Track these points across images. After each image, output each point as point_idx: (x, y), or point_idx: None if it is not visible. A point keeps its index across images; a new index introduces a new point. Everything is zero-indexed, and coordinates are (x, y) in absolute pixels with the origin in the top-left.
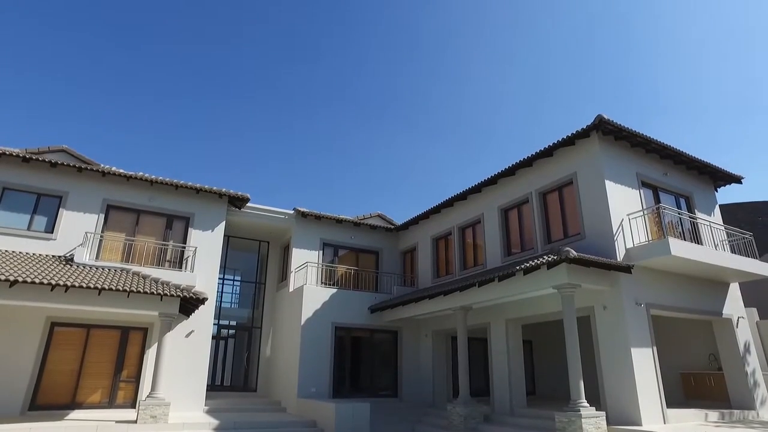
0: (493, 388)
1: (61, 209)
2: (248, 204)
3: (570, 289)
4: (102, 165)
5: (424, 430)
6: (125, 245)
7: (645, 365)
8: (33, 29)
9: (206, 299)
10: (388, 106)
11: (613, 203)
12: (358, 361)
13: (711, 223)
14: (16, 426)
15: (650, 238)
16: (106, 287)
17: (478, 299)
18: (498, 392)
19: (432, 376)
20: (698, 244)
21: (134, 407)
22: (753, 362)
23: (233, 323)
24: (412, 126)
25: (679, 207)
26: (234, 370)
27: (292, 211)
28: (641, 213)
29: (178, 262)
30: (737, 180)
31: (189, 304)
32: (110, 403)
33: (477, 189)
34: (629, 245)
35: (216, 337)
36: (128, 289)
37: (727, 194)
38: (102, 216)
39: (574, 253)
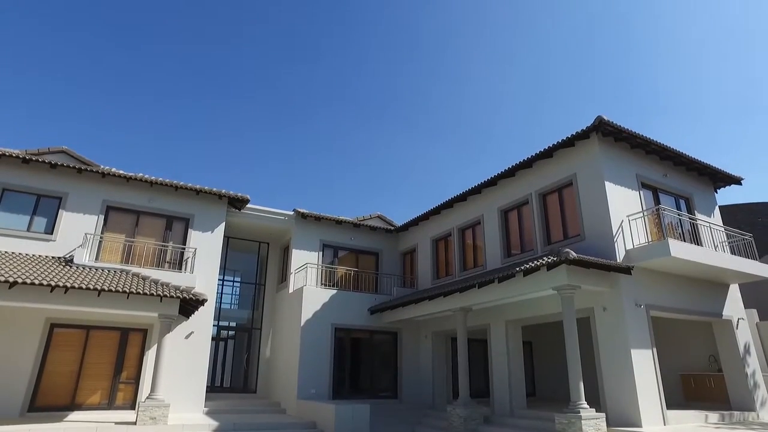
0: (493, 389)
1: (60, 210)
2: (248, 205)
3: (570, 291)
4: (102, 166)
5: None
6: (125, 246)
7: (645, 367)
8: (33, 29)
9: (206, 300)
10: (388, 106)
11: (613, 204)
12: (358, 362)
13: (711, 224)
14: (16, 427)
15: (650, 240)
16: (106, 288)
17: (478, 300)
18: (498, 393)
19: (432, 377)
20: (698, 245)
21: (134, 409)
22: (753, 363)
23: (233, 324)
24: (412, 126)
25: (678, 208)
26: (234, 371)
27: (291, 213)
28: (641, 214)
29: (178, 263)
30: (737, 181)
31: (189, 305)
32: (110, 404)
33: (477, 190)
34: (629, 246)
35: (216, 339)
36: (128, 291)
37: (727, 195)
38: (102, 217)
39: (574, 254)
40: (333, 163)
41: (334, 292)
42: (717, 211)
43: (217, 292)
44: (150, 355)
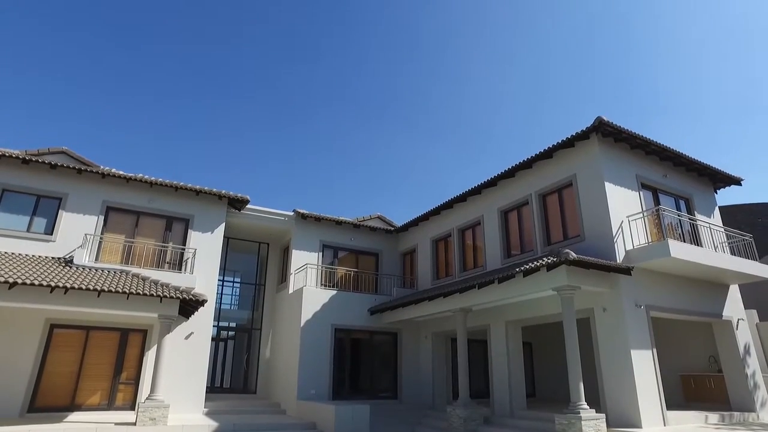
0: (492, 390)
1: (60, 211)
2: (248, 206)
3: (570, 291)
4: (102, 166)
5: None
6: (125, 247)
7: (645, 367)
8: (33, 29)
9: (206, 301)
10: (388, 106)
11: (613, 205)
12: (358, 363)
13: (711, 224)
14: (15, 428)
15: (650, 240)
16: (106, 289)
17: (478, 301)
18: (498, 394)
19: (432, 378)
20: (698, 245)
21: (133, 409)
22: (753, 364)
23: (233, 325)
24: (412, 126)
25: (678, 209)
26: (233, 371)
27: (291, 213)
28: (641, 215)
29: (178, 263)
30: (737, 182)
31: (188, 305)
32: (109, 405)
33: (476, 191)
34: (629, 247)
35: (215, 339)
36: (128, 291)
37: (727, 196)
38: (101, 218)
39: (574, 255)
40: (333, 163)
41: (334, 292)
42: (717, 212)
43: (217, 293)
44: (150, 356)
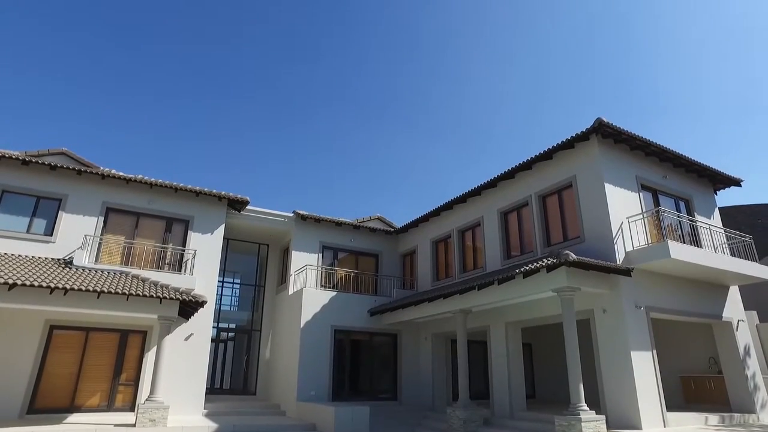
0: (492, 391)
1: (60, 212)
2: (248, 207)
3: (569, 293)
4: (101, 168)
5: None
6: (124, 248)
7: (645, 368)
8: (33, 29)
9: (205, 302)
10: (388, 106)
11: (613, 206)
12: (358, 364)
13: (710, 226)
14: (15, 429)
15: (650, 241)
16: (105, 290)
17: (478, 302)
18: (498, 395)
19: (432, 379)
20: (698, 247)
21: (133, 411)
22: (753, 365)
23: (233, 326)
24: (412, 126)
25: (678, 210)
26: (233, 373)
27: (291, 214)
28: (641, 216)
29: (178, 265)
30: (737, 183)
31: (188, 307)
32: (109, 406)
33: (476, 192)
34: (629, 248)
35: (215, 340)
36: (127, 292)
37: (727, 197)
38: (101, 219)
39: (574, 256)
40: (333, 163)
41: (333, 293)
42: (717, 213)
43: (217, 294)
44: (149, 357)
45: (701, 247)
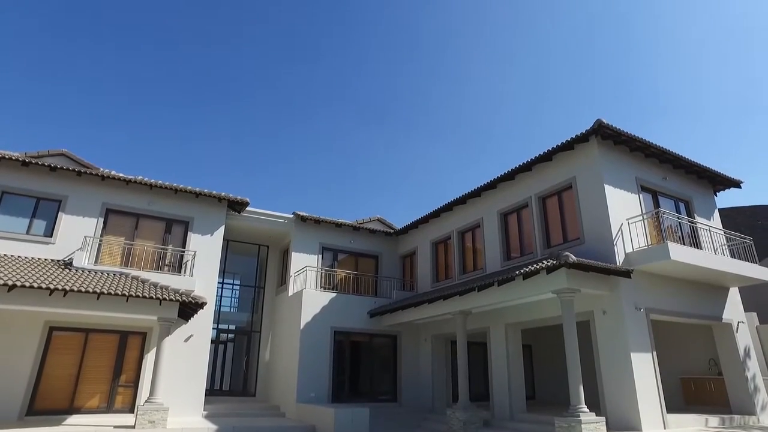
0: (492, 392)
1: (60, 213)
2: (248, 208)
3: (569, 294)
4: (101, 169)
5: None
6: (124, 249)
7: (645, 370)
8: (32, 30)
9: (205, 303)
10: (388, 106)
11: (613, 208)
12: (358, 365)
13: (710, 227)
14: (14, 431)
15: (650, 243)
16: (105, 291)
17: (478, 304)
18: (498, 397)
19: (431, 380)
20: (698, 248)
21: (132, 412)
22: (753, 367)
23: (232, 327)
24: (412, 126)
25: (678, 211)
26: (233, 374)
27: (291, 215)
28: (641, 217)
29: (178, 266)
30: (736, 184)
31: (188, 308)
32: (108, 408)
33: (476, 193)
34: (629, 250)
35: (215, 342)
36: (127, 294)
37: (727, 198)
38: (101, 220)
39: (574, 257)
40: (333, 163)
41: (333, 295)
42: (717, 214)
43: (217, 295)
44: (149, 359)
45: (701, 249)
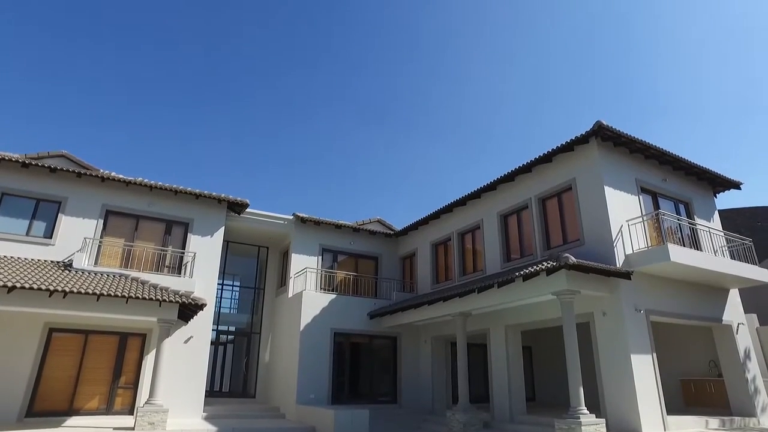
0: (492, 394)
1: (60, 214)
2: (247, 209)
3: (569, 296)
4: (101, 170)
5: None
6: (124, 251)
7: (645, 372)
8: (32, 30)
9: (205, 305)
10: (388, 106)
11: (613, 209)
12: (358, 367)
13: (710, 228)
14: None
15: (649, 245)
16: (105, 293)
17: (478, 305)
18: (497, 399)
19: (431, 382)
20: (698, 250)
21: (132, 414)
22: (753, 369)
23: (232, 329)
24: (412, 126)
25: (678, 213)
26: (233, 375)
27: (291, 217)
28: (640, 219)
29: (177, 267)
30: (736, 186)
31: (188, 309)
32: (108, 409)
33: (476, 195)
34: (628, 251)
35: (215, 343)
36: (127, 295)
37: (727, 200)
38: (101, 221)
39: (574, 259)
40: (333, 163)
41: (333, 296)
42: (716, 216)
43: (217, 297)
44: (149, 360)
45: (701, 250)
